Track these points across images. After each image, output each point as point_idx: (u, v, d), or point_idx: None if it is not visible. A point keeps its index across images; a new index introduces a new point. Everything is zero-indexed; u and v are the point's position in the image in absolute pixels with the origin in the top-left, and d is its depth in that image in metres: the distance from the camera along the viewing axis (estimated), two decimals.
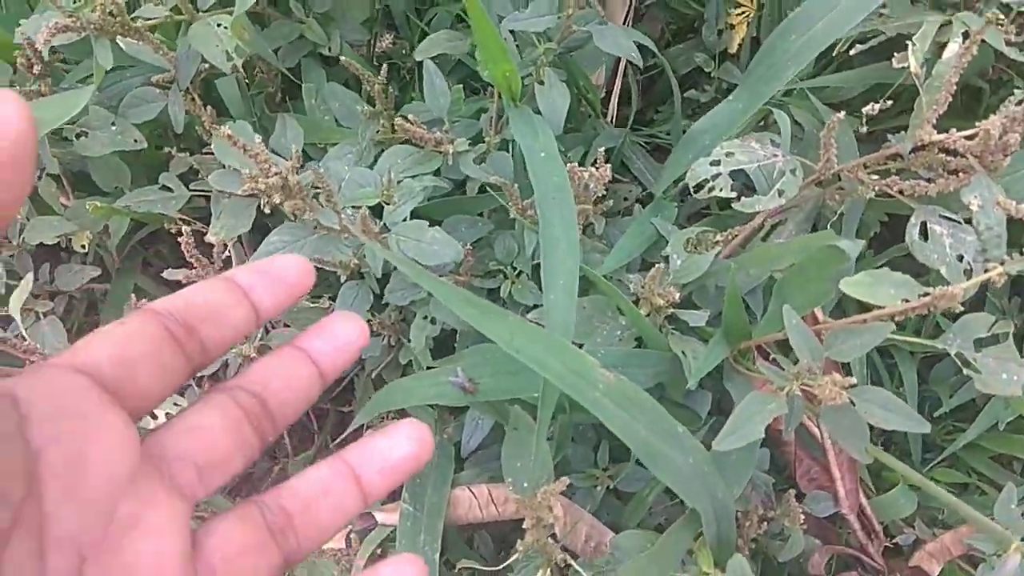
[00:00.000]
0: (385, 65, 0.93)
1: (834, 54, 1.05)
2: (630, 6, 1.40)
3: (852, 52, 0.97)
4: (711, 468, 0.71)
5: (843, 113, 0.83)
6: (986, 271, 0.72)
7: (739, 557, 0.74)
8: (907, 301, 0.69)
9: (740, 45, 1.34)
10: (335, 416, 1.25)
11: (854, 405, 0.72)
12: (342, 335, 0.38)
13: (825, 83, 1.00)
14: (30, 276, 0.82)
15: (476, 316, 0.66)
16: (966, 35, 0.83)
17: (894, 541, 1.06)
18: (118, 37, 0.85)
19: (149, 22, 0.86)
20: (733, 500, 0.76)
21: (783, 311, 0.71)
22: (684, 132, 1.01)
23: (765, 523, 0.93)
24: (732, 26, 1.34)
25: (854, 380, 0.70)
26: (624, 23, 1.41)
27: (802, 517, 0.92)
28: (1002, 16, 0.85)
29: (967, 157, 0.75)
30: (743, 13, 1.33)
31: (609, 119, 1.39)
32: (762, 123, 1.13)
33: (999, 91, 1.12)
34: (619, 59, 1.30)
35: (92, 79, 0.94)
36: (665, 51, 1.46)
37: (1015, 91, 1.04)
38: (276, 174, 0.71)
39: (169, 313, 0.34)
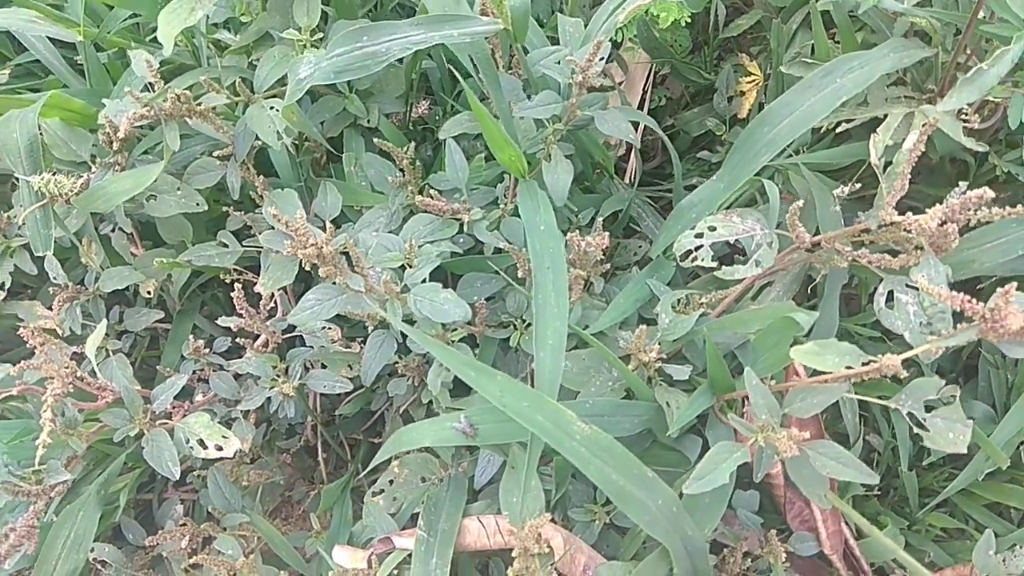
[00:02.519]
0: (413, 144, 1.05)
1: (823, 129, 1.14)
2: (649, 73, 1.51)
3: (839, 130, 1.07)
4: (679, 509, 0.80)
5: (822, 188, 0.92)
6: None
7: None
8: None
9: (750, 110, 1.44)
10: (367, 446, 1.37)
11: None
12: None
13: (815, 159, 1.10)
14: (104, 323, 0.96)
15: (470, 375, 0.77)
16: None
17: None
18: (185, 118, 0.99)
19: (212, 105, 1.00)
20: (704, 538, 0.85)
21: (746, 373, 0.80)
22: (686, 189, 1.11)
23: (750, 560, 1.01)
24: (743, 93, 1.44)
25: (807, 435, 0.79)
26: (644, 87, 1.53)
27: (784, 555, 1.00)
28: (966, 106, 0.93)
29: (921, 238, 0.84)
30: (752, 81, 1.43)
31: (630, 173, 1.50)
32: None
33: (984, 164, 1.20)
34: None
35: (161, 146, 1.08)
36: (681, 114, 1.57)
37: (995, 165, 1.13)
38: (312, 244, 0.83)
39: None
